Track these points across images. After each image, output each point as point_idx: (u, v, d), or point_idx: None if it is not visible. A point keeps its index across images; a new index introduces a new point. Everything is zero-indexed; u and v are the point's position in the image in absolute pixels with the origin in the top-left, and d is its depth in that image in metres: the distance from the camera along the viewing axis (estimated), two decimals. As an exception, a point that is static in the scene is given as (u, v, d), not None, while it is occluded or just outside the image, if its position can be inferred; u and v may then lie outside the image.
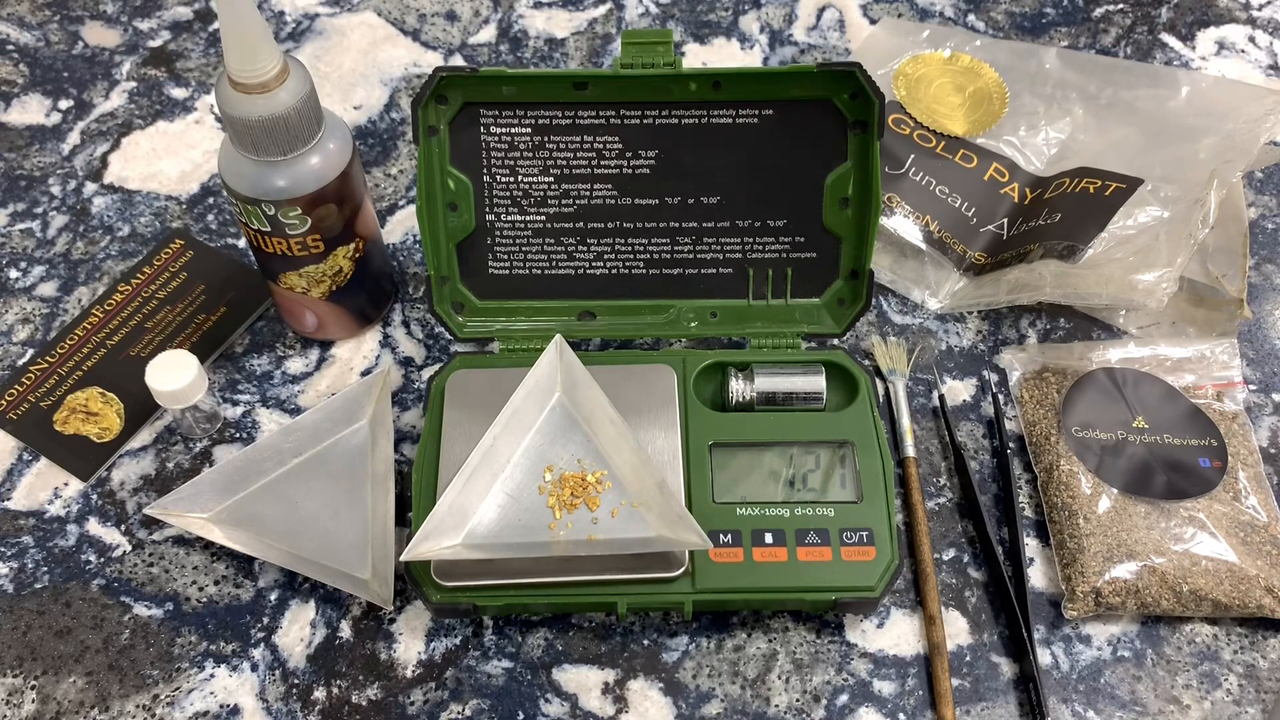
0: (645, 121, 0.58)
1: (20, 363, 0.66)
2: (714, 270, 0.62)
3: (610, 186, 0.59)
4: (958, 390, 0.65)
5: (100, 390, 0.64)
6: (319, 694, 0.55)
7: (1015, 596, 0.56)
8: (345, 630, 0.57)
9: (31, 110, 0.78)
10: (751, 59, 0.82)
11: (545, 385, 0.57)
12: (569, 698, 0.55)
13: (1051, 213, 0.67)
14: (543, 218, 0.60)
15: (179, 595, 0.58)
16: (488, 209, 0.60)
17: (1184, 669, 0.56)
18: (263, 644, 0.56)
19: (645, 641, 0.56)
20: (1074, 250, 0.65)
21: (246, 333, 0.67)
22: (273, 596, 0.58)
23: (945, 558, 0.59)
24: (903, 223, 0.68)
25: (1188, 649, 0.56)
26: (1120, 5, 0.85)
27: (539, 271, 0.62)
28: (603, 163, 0.59)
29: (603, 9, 0.84)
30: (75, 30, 0.82)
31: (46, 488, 0.61)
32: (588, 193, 0.60)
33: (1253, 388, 0.65)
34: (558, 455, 0.56)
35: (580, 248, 0.61)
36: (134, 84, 0.79)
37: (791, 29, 0.83)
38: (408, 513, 0.58)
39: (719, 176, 0.59)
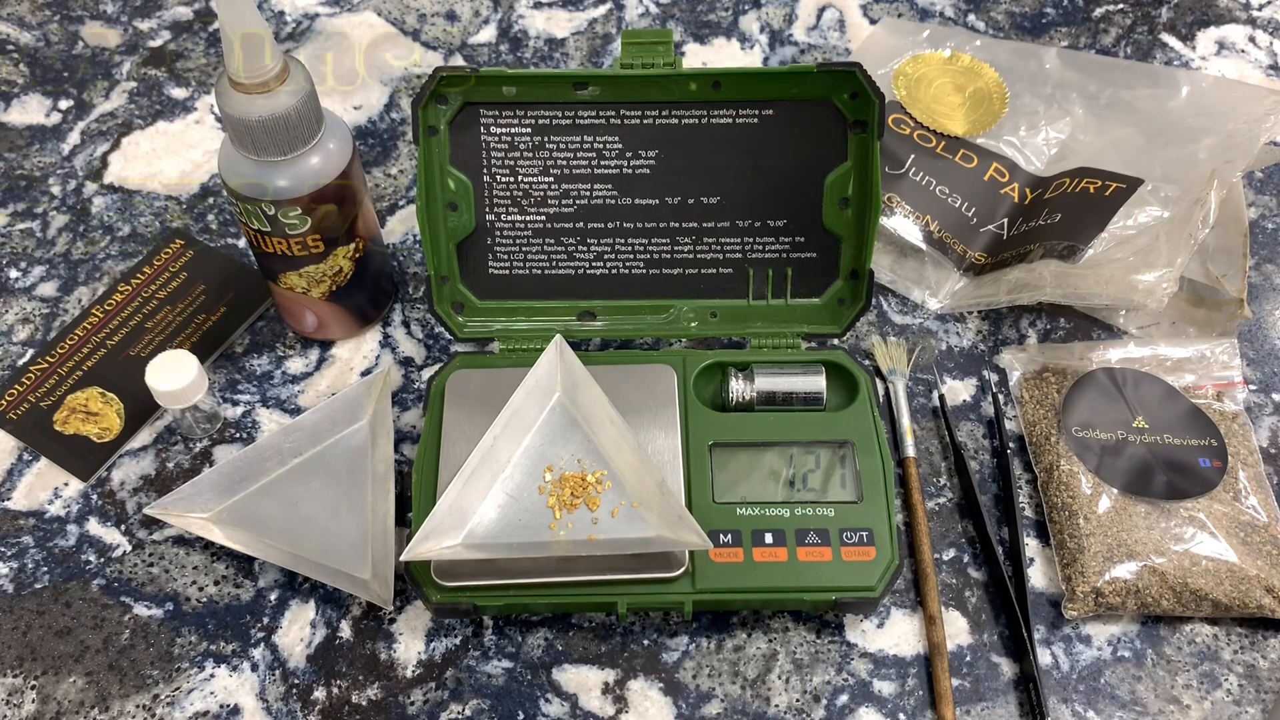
0: (645, 121, 0.58)
1: (20, 363, 0.66)
2: (714, 270, 0.62)
3: (610, 186, 0.59)
4: (958, 390, 0.65)
5: (100, 390, 0.64)
6: (319, 694, 0.55)
7: (1015, 596, 0.56)
8: (345, 630, 0.57)
9: (31, 110, 0.78)
10: (751, 59, 0.82)
11: (545, 385, 0.57)
12: (569, 698, 0.55)
13: (1051, 213, 0.67)
14: (543, 218, 0.60)
15: (179, 595, 0.58)
16: (488, 209, 0.60)
17: (1184, 669, 0.56)
18: (263, 644, 0.56)
19: (645, 641, 0.56)
20: (1074, 250, 0.65)
21: (246, 333, 0.67)
22: (273, 596, 0.58)
23: (945, 558, 0.59)
24: (903, 223, 0.68)
25: (1188, 649, 0.56)
26: (1120, 5, 0.85)
27: (539, 271, 0.62)
28: (603, 163, 0.59)
29: (603, 9, 0.84)
30: (75, 30, 0.82)
31: (46, 488, 0.61)
32: (588, 193, 0.60)
33: (1253, 388, 0.65)
34: (558, 455, 0.56)
35: (580, 248, 0.61)
36: (134, 84, 0.79)
37: (791, 29, 0.83)
38: (408, 513, 0.58)
39: (719, 176, 0.59)
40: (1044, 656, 0.56)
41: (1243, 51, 0.82)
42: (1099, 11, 0.84)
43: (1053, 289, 0.64)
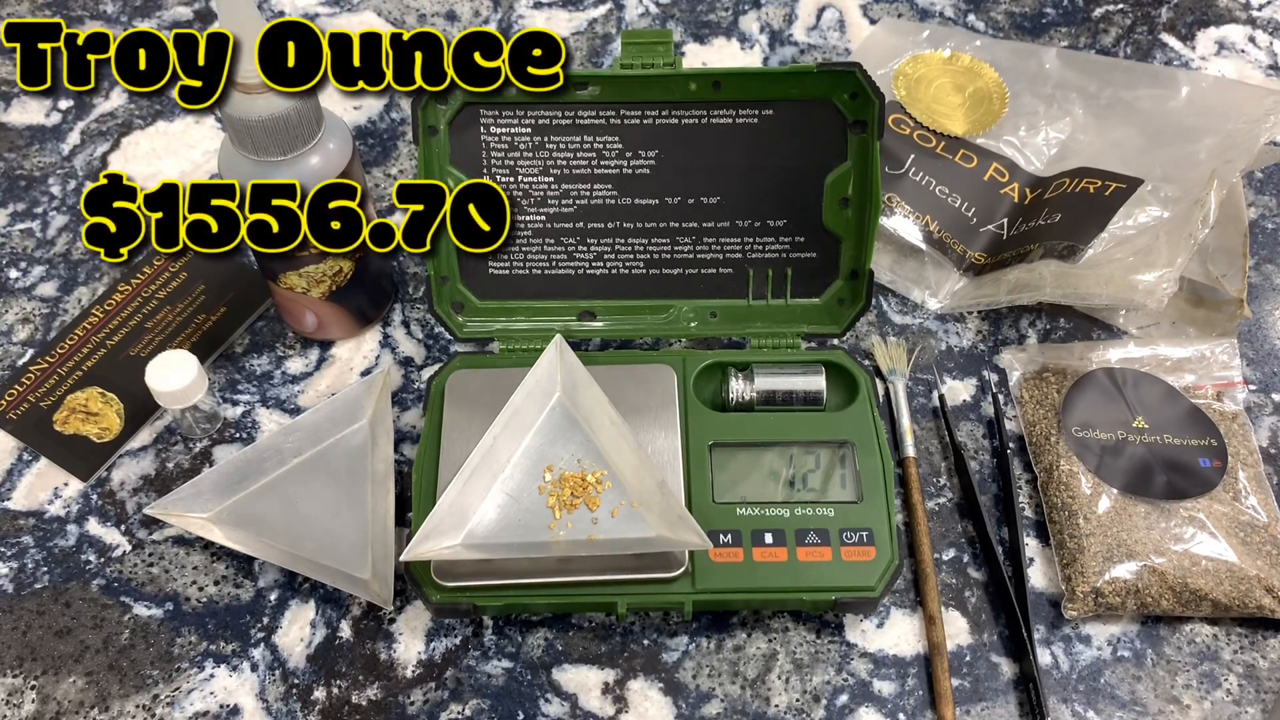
0: (645, 121, 0.58)
1: (20, 363, 0.66)
2: (714, 270, 0.62)
3: (610, 186, 0.59)
4: (958, 390, 0.65)
5: (100, 390, 0.64)
6: (319, 694, 0.55)
7: (1015, 596, 0.56)
8: (345, 630, 0.57)
9: (31, 110, 0.78)
10: (751, 59, 0.82)
11: (545, 385, 0.57)
12: (569, 698, 0.55)
13: (1051, 213, 0.67)
14: (543, 218, 0.60)
15: (179, 595, 0.58)
16: (488, 209, 0.60)
17: (1184, 669, 0.56)
18: (263, 644, 0.56)
19: (645, 641, 0.56)
20: (1074, 250, 0.65)
21: (246, 333, 0.67)
22: (273, 596, 0.58)
23: (945, 558, 0.59)
24: (903, 223, 0.68)
25: (1188, 649, 0.56)
26: (1120, 5, 0.85)
27: (539, 271, 0.62)
28: (603, 163, 0.59)
29: (603, 9, 0.84)
30: (75, 30, 0.82)
31: (46, 488, 0.61)
32: (587, 193, 0.60)
33: (1253, 388, 0.65)
34: (558, 455, 0.56)
35: (580, 248, 0.61)
36: (134, 84, 0.79)
37: (791, 29, 0.83)
38: (408, 513, 0.58)
39: (719, 176, 0.59)
40: (1044, 656, 0.56)
41: (1243, 51, 0.82)
42: (1099, 11, 0.84)
43: (1053, 289, 0.64)
